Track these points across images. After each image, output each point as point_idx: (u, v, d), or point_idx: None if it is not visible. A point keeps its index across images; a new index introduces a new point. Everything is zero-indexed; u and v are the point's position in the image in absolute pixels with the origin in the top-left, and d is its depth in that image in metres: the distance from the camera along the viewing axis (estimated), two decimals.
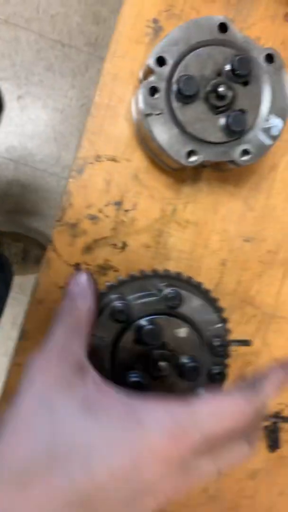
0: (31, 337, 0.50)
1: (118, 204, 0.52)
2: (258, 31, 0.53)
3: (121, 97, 0.50)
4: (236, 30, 0.44)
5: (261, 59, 0.45)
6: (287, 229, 0.55)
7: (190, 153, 0.45)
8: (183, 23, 0.44)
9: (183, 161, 0.45)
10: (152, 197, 0.52)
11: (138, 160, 0.52)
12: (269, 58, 0.45)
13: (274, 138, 0.46)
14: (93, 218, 0.51)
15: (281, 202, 0.55)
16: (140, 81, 0.50)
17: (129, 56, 0.50)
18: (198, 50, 0.44)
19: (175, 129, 0.44)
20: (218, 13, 0.52)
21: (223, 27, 0.44)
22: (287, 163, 0.55)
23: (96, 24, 1.69)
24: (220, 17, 0.44)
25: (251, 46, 0.45)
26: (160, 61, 0.44)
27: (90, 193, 0.51)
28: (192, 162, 0.45)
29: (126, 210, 0.52)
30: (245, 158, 0.45)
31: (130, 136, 0.51)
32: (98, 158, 0.51)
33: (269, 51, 0.45)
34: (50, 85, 1.67)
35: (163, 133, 0.44)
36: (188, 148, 0.45)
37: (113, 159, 0.51)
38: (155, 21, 0.51)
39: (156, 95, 0.44)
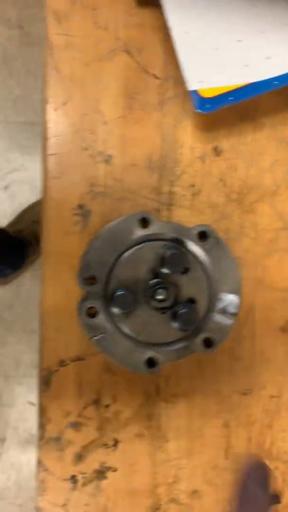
0: None
1: (97, 402, 0.48)
2: (189, 177, 0.49)
3: (69, 295, 0.47)
4: (158, 221, 0.40)
5: (193, 238, 0.40)
6: (283, 370, 0.50)
7: (149, 360, 0.41)
8: (101, 231, 0.40)
9: (143, 371, 0.41)
10: (130, 383, 0.48)
11: None
12: (203, 235, 0.40)
13: (233, 315, 0.41)
14: (75, 425, 0.48)
15: (268, 347, 0.50)
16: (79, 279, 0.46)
17: (64, 251, 0.47)
18: (125, 254, 0.40)
19: (126, 342, 0.40)
20: (140, 175, 0.47)
21: (144, 222, 0.40)
22: (263, 299, 0.50)
23: None
24: (138, 214, 0.39)
25: (180, 230, 0.40)
26: (90, 279, 0.40)
27: (64, 401, 0.48)
28: (153, 370, 0.40)
29: (107, 406, 0.48)
30: (208, 348, 0.40)
31: None
32: (62, 363, 0.48)
33: (201, 229, 0.40)
34: (31, 167, 1.66)
35: (114, 349, 0.40)
36: (145, 357, 0.41)
37: (78, 359, 0.48)
38: (80, 206, 0.47)
39: (96, 316, 0.40)
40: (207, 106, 0.41)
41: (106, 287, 0.39)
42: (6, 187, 1.66)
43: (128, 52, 0.47)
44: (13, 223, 1.60)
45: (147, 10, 0.47)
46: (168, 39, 0.47)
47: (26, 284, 1.65)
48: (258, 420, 0.50)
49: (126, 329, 0.39)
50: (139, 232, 0.39)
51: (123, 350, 0.40)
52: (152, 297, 0.39)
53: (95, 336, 0.39)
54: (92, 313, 0.39)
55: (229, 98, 0.41)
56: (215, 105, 0.41)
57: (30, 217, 1.59)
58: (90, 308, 0.39)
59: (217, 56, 0.40)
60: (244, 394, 0.50)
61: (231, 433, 0.50)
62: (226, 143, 0.49)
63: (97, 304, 0.39)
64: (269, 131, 0.49)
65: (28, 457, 1.64)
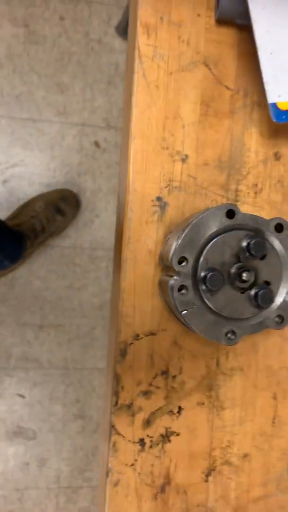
0: None
1: (165, 373, 0.54)
2: (253, 178, 0.55)
3: (145, 276, 0.52)
4: (242, 212, 0.46)
5: (271, 229, 0.47)
6: None
7: (228, 333, 0.47)
8: (194, 220, 0.46)
9: (223, 342, 0.47)
10: (195, 357, 0.55)
11: (172, 327, 0.54)
12: (279, 227, 0.47)
13: None
14: (145, 393, 0.54)
15: None
16: (160, 260, 0.52)
17: (143, 238, 0.53)
18: (213, 241, 0.46)
19: (210, 316, 0.47)
20: (211, 173, 0.54)
21: (230, 214, 0.46)
22: None
23: (61, 93, 1.71)
24: (225, 206, 0.46)
25: (258, 221, 0.47)
26: (182, 260, 0.46)
27: (137, 371, 0.53)
28: (232, 341, 0.47)
29: (174, 376, 0.54)
30: (280, 324, 0.47)
31: (161, 308, 0.54)
32: (136, 337, 0.53)
33: (277, 221, 0.47)
34: (31, 162, 1.69)
35: (200, 323, 0.46)
36: (226, 330, 0.47)
37: (151, 333, 0.54)
38: (158, 199, 0.53)
39: (185, 292, 0.46)
40: (283, 117, 0.48)
41: (195, 268, 0.46)
42: (4, 181, 1.69)
43: (206, 65, 0.54)
44: (11, 217, 1.63)
45: (224, 28, 0.54)
46: (241, 55, 0.54)
47: (20, 277, 1.68)
48: None
49: (211, 305, 0.46)
50: (225, 222, 0.46)
51: (208, 323, 0.46)
52: (237, 278, 0.46)
53: (185, 310, 0.46)
54: (180, 290, 0.46)
55: None
56: None
57: (28, 212, 1.62)
58: (182, 286, 0.46)
59: None
60: None
61: (278, 404, 0.57)
62: (285, 149, 0.56)
63: (188, 283, 0.46)
64: None
65: (16, 449, 1.66)
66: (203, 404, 0.55)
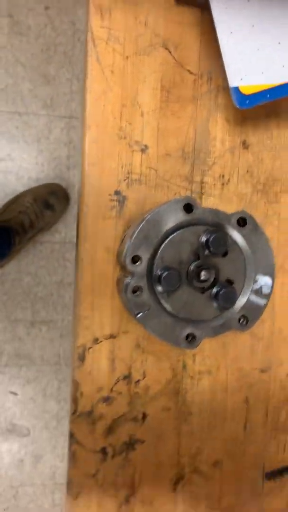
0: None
1: (128, 377, 0.51)
2: (219, 168, 0.52)
3: (104, 276, 0.49)
4: (201, 206, 0.43)
5: (233, 223, 0.44)
6: None
7: (188, 336, 0.44)
8: (148, 215, 0.43)
9: (183, 346, 0.44)
10: (159, 360, 0.51)
11: (134, 329, 0.51)
12: (241, 221, 0.44)
13: (267, 296, 0.45)
14: (106, 399, 0.51)
15: (287, 327, 0.54)
16: (117, 258, 0.49)
17: (100, 235, 0.49)
18: (170, 237, 0.43)
19: (167, 319, 0.43)
20: (174, 164, 0.50)
21: (188, 208, 0.43)
22: (281, 285, 0.54)
23: (47, 84, 1.67)
24: (183, 200, 0.42)
25: (219, 215, 0.43)
26: (136, 259, 0.42)
27: (97, 377, 0.50)
28: (192, 345, 0.44)
29: (137, 381, 0.51)
30: (244, 326, 0.44)
31: (121, 310, 0.50)
32: (96, 341, 0.50)
33: (239, 215, 0.44)
34: (18, 157, 1.66)
35: (156, 326, 0.43)
36: (186, 333, 0.44)
37: (111, 336, 0.50)
38: (117, 193, 0.50)
39: (140, 293, 0.43)
40: (247, 102, 0.44)
41: (150, 267, 0.42)
42: None
43: (166, 47, 0.50)
44: None
45: (185, 8, 0.50)
46: (204, 37, 0.50)
47: (9, 274, 1.65)
48: (275, 396, 0.54)
49: (168, 307, 0.42)
50: (183, 217, 0.42)
51: (165, 326, 0.43)
52: (195, 277, 0.42)
53: (140, 312, 0.42)
54: (137, 291, 0.42)
55: (267, 96, 0.45)
56: (254, 102, 0.45)
57: (17, 208, 1.59)
58: (135, 286, 0.42)
59: (258, 56, 0.44)
60: (263, 371, 0.54)
61: (250, 408, 0.54)
62: (253, 137, 0.52)
63: (142, 283, 0.42)
64: None
65: (10, 446, 1.65)
66: (169, 409, 0.52)
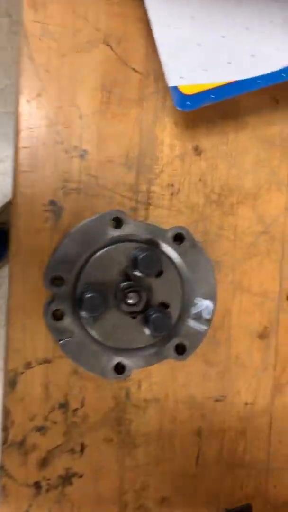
0: None
1: (64, 406, 0.46)
2: (168, 177, 0.47)
3: (36, 294, 0.45)
4: (132, 220, 0.38)
5: (168, 240, 0.39)
6: (259, 376, 0.49)
7: (117, 366, 0.39)
8: (72, 229, 0.38)
9: (111, 377, 0.39)
10: (99, 387, 0.47)
11: None
12: (178, 237, 0.39)
13: (208, 321, 0.39)
14: (40, 429, 0.46)
15: (244, 353, 0.48)
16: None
17: (33, 249, 0.45)
18: (95, 255, 0.38)
19: (93, 346, 0.39)
20: (117, 172, 0.45)
21: (117, 222, 0.38)
22: (239, 304, 0.48)
23: None
24: (111, 213, 0.38)
25: (154, 230, 0.38)
26: (57, 280, 0.38)
27: (30, 404, 0.46)
28: (121, 376, 0.39)
29: (75, 410, 0.47)
30: (181, 355, 0.39)
31: None
32: (28, 365, 0.46)
33: (177, 231, 0.39)
34: None
35: (80, 354, 0.39)
36: (114, 363, 0.39)
37: (45, 361, 0.46)
38: (52, 202, 0.45)
39: (62, 319, 0.38)
40: (187, 103, 0.39)
41: (74, 289, 0.38)
42: None
43: (107, 43, 0.45)
44: None
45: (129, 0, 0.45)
46: (151, 32, 0.45)
47: (6, 276, 1.61)
48: (232, 428, 0.49)
49: (94, 333, 0.38)
50: (112, 232, 0.38)
51: (91, 355, 0.38)
52: (123, 300, 0.37)
53: (61, 339, 0.38)
54: (59, 316, 0.38)
55: (211, 96, 0.40)
56: (196, 103, 0.40)
57: None
58: (57, 310, 0.37)
59: (200, 52, 0.39)
60: (218, 400, 0.49)
61: (203, 441, 0.49)
62: (206, 142, 0.47)
63: (64, 306, 0.38)
64: (251, 131, 0.47)
65: None
66: (111, 440, 0.47)
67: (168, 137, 0.47)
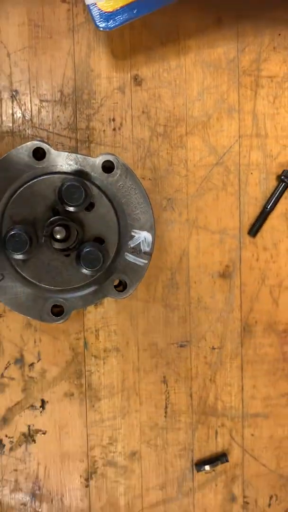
0: None
1: (20, 361, 0.45)
2: (108, 111, 0.44)
3: None
4: (56, 151, 0.35)
5: (97, 170, 0.36)
6: (224, 318, 0.46)
7: (54, 307, 0.37)
8: None
9: (49, 320, 0.37)
10: (55, 339, 0.45)
11: None
12: (108, 167, 0.36)
13: (148, 254, 0.37)
14: None
15: (206, 295, 0.46)
16: None
17: None
18: (18, 191, 0.36)
19: (26, 289, 0.36)
20: (52, 111, 0.43)
21: (39, 154, 0.35)
22: (196, 242, 0.45)
23: None
24: (29, 145, 0.35)
25: (81, 161, 0.36)
26: None
27: None
28: (59, 318, 0.36)
29: (31, 364, 0.45)
30: (122, 292, 0.36)
31: None
32: None
33: (105, 159, 0.36)
34: None
35: (14, 298, 0.36)
36: (50, 305, 0.37)
37: None
38: None
39: None
40: (110, 22, 0.36)
41: (0, 227, 0.35)
42: None
43: None
44: None
45: None
46: None
47: None
48: (200, 374, 0.46)
49: (26, 274, 0.35)
50: (34, 165, 0.35)
51: (25, 297, 0.36)
52: (51, 236, 0.35)
53: None
54: None
55: (133, 11, 0.36)
56: (119, 21, 0.36)
57: None
58: None
59: None
60: (182, 346, 0.46)
61: (170, 390, 0.46)
62: (147, 70, 0.44)
63: None
64: (194, 55, 0.44)
65: None
66: (72, 395, 0.45)
67: (104, 69, 0.44)
